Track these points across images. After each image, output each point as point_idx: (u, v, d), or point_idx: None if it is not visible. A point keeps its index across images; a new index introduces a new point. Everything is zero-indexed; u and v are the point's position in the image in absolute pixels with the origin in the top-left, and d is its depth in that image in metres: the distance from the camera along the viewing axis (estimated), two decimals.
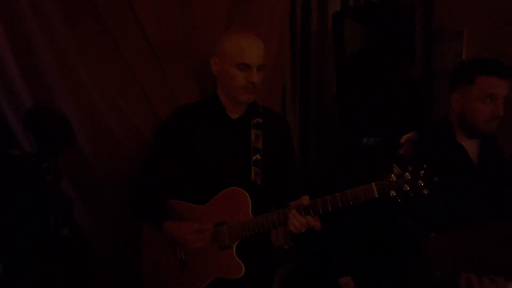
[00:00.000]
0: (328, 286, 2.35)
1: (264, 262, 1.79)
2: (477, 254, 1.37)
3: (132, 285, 1.87)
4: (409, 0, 2.28)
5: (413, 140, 1.77)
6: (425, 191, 1.37)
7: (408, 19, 2.23)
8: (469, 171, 1.72)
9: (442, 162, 1.66)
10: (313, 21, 2.77)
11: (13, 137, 2.00)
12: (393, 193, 1.38)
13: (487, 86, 1.62)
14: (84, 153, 2.08)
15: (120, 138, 2.10)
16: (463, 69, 1.73)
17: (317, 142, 2.73)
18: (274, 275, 1.89)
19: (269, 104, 2.30)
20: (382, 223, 1.83)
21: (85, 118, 2.01)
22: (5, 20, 1.89)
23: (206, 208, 1.70)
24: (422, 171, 1.37)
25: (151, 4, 1.94)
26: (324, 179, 2.62)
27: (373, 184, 1.41)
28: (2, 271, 1.50)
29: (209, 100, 1.83)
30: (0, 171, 1.51)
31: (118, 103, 2.03)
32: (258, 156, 1.73)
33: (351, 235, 2.37)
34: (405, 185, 1.38)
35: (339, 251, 2.39)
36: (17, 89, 1.97)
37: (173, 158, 1.77)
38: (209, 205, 1.70)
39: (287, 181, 1.81)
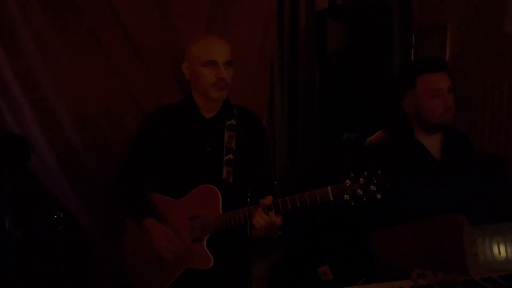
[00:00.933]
0: (308, 276, 2.47)
1: (237, 255, 1.89)
2: (420, 248, 1.46)
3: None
4: None
5: (376, 139, 1.84)
6: (378, 196, 1.46)
7: (385, 18, 2.28)
8: (430, 168, 1.75)
9: (404, 161, 1.73)
10: (301, 18, 2.82)
11: None
12: (347, 197, 1.47)
13: (428, 83, 1.69)
14: (74, 147, 2.22)
15: (108, 133, 2.24)
16: (402, 76, 1.81)
17: (304, 136, 2.82)
18: (250, 267, 1.99)
19: (254, 100, 2.40)
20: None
21: (75, 114, 2.14)
22: None
23: (181, 202, 1.82)
24: (375, 177, 1.46)
25: (131, 5, 2.04)
26: (310, 171, 2.72)
27: (329, 187, 1.50)
28: None
29: (185, 100, 1.93)
30: None
31: (104, 100, 2.15)
32: (230, 156, 1.82)
33: (326, 226, 2.48)
34: (359, 189, 1.46)
35: (316, 241, 2.51)
36: (13, 91, 2.09)
37: (151, 155, 1.88)
38: (184, 199, 1.82)
39: (260, 178, 1.91)
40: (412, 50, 2.59)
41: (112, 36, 2.09)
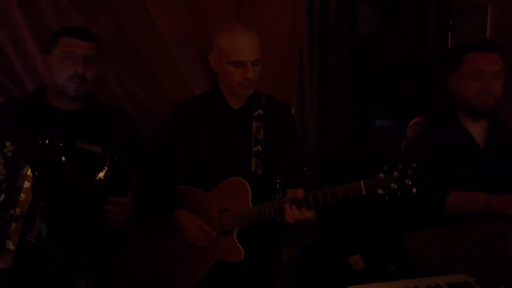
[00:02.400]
0: (338, 264, 2.44)
1: (267, 248, 1.88)
2: (460, 253, 1.40)
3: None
4: None
5: (418, 124, 1.78)
6: (414, 190, 1.40)
7: None
8: (474, 156, 1.71)
9: (447, 148, 1.68)
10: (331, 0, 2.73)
11: None
12: (380, 191, 1.42)
13: (474, 63, 1.66)
14: None
15: (139, 123, 2.24)
16: (452, 52, 1.81)
17: (334, 121, 2.75)
18: (280, 257, 1.98)
19: (283, 88, 2.35)
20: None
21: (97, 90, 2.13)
22: (31, 19, 2.03)
23: (210, 195, 1.81)
24: (410, 170, 1.40)
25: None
26: (340, 160, 2.66)
27: (361, 181, 1.45)
28: None
29: (212, 92, 1.90)
30: None
31: (135, 92, 2.15)
32: (259, 148, 1.79)
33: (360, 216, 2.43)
34: (393, 184, 1.41)
35: (349, 230, 2.47)
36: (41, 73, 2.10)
37: (179, 147, 1.87)
38: (213, 192, 1.81)
39: (291, 169, 1.88)
40: (450, 32, 2.46)
41: (141, 28, 2.08)
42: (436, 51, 2.29)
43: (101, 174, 1.60)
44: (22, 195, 1.55)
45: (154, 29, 2.08)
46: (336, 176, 2.44)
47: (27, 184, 1.56)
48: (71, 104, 1.78)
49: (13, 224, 1.53)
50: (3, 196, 1.55)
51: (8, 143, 1.55)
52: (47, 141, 1.57)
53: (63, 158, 1.59)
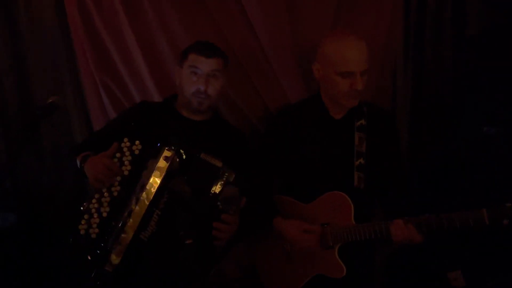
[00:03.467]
0: (435, 279, 2.32)
1: (365, 266, 1.84)
2: None
3: None
4: None
5: None
6: None
7: None
8: None
9: None
10: None
11: None
12: (506, 222, 1.32)
13: None
14: None
15: None
16: None
17: (430, 129, 2.60)
18: (376, 272, 1.93)
19: (377, 92, 2.26)
20: None
21: None
22: (134, 20, 2.13)
23: (310, 207, 1.80)
24: None
25: (260, 7, 2.01)
26: (437, 171, 2.50)
27: (484, 210, 1.35)
28: None
29: (312, 100, 1.86)
30: None
31: (233, 99, 2.18)
32: (361, 161, 1.74)
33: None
34: None
35: (450, 244, 2.32)
36: (146, 83, 2.22)
37: (278, 157, 1.86)
38: (313, 204, 1.79)
39: (393, 184, 1.80)
40: None
41: (241, 36, 2.10)
42: None
43: (216, 189, 1.62)
44: (144, 194, 1.62)
45: (253, 37, 2.10)
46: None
47: (151, 183, 1.62)
48: (196, 115, 1.86)
49: (130, 220, 1.61)
50: (124, 190, 1.63)
51: (137, 142, 1.65)
52: (173, 147, 1.62)
53: (186, 166, 1.64)
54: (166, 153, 1.62)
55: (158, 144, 1.63)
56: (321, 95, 1.84)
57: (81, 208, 1.64)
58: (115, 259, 1.59)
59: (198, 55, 1.77)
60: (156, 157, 1.63)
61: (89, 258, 1.61)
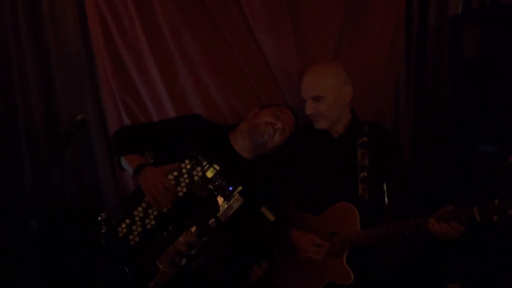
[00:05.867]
0: None
1: (376, 272, 1.93)
2: None
3: None
4: None
5: None
6: None
7: None
8: None
9: None
10: (430, 20, 2.71)
11: None
12: (496, 218, 1.42)
13: None
14: None
15: None
16: None
17: (430, 146, 2.72)
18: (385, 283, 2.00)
19: (380, 104, 2.40)
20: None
21: (210, 115, 2.31)
22: (154, 45, 2.29)
23: (319, 219, 1.93)
24: None
25: (266, 25, 2.19)
26: (435, 185, 2.61)
27: (475, 207, 1.46)
28: None
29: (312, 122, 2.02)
30: None
31: (233, 103, 2.32)
32: (365, 174, 1.87)
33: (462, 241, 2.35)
34: (510, 210, 1.40)
35: (449, 256, 2.39)
36: (161, 96, 2.38)
37: (290, 172, 2.01)
38: (322, 216, 1.92)
39: (399, 195, 1.93)
40: None
41: (250, 55, 2.27)
42: None
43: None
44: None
45: (262, 58, 2.28)
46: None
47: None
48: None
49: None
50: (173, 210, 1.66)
51: (198, 168, 1.67)
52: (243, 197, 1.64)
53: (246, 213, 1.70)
54: (237, 199, 1.61)
55: (231, 188, 1.62)
56: None
57: (125, 210, 1.67)
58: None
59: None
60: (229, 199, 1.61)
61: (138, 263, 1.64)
